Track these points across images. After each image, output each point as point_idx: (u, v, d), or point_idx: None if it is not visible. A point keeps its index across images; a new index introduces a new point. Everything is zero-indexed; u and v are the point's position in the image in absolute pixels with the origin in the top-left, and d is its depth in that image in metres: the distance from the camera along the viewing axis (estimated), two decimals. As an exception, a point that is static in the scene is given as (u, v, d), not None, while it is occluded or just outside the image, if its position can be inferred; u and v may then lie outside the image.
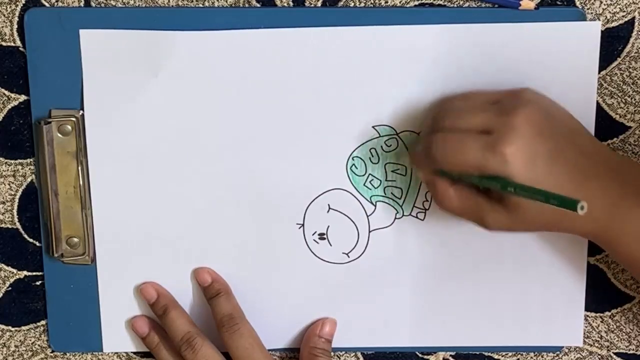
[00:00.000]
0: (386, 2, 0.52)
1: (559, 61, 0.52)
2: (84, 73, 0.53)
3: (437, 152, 0.46)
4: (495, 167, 0.44)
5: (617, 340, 0.58)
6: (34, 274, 0.56)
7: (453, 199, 0.47)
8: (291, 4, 0.52)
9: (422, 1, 0.52)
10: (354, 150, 0.54)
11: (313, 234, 0.55)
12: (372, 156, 0.54)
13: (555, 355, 0.58)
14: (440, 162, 0.46)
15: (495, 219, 0.46)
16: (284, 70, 0.53)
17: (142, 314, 0.56)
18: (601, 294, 0.57)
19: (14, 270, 0.57)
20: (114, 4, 0.52)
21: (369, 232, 0.55)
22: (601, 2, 0.52)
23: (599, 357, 0.58)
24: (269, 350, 0.56)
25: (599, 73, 0.53)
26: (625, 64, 0.53)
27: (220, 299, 0.54)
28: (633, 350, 0.58)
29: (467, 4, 0.52)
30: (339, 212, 0.55)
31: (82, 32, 0.52)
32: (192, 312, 0.56)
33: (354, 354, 0.58)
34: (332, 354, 0.57)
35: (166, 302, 0.55)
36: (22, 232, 0.56)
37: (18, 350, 0.58)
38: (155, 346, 0.55)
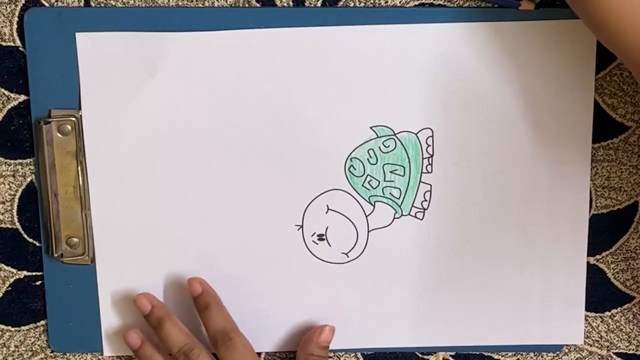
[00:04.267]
0: (386, 2, 0.52)
1: (558, 60, 0.52)
2: (81, 76, 0.52)
3: None
4: None
5: (617, 340, 0.57)
6: (34, 274, 0.56)
7: None
8: (291, 4, 0.52)
9: (422, 1, 0.52)
10: (352, 151, 0.54)
11: (312, 235, 0.55)
12: (370, 157, 0.54)
13: (555, 355, 0.58)
14: None
15: None
16: (282, 70, 0.52)
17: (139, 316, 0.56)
18: (601, 294, 0.57)
19: (14, 270, 0.57)
20: (113, 3, 0.52)
21: (368, 231, 0.55)
22: (601, 2, 0.52)
23: (599, 357, 0.58)
24: (269, 352, 0.56)
25: (599, 73, 0.53)
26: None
27: (211, 313, 0.53)
28: (633, 350, 0.58)
29: (467, 4, 0.52)
30: (338, 212, 0.55)
31: (78, 35, 0.52)
32: (191, 314, 0.56)
33: (354, 354, 0.58)
34: (332, 354, 0.57)
35: (160, 313, 0.54)
36: (22, 232, 0.56)
37: (18, 350, 0.58)
38: (148, 358, 0.54)
